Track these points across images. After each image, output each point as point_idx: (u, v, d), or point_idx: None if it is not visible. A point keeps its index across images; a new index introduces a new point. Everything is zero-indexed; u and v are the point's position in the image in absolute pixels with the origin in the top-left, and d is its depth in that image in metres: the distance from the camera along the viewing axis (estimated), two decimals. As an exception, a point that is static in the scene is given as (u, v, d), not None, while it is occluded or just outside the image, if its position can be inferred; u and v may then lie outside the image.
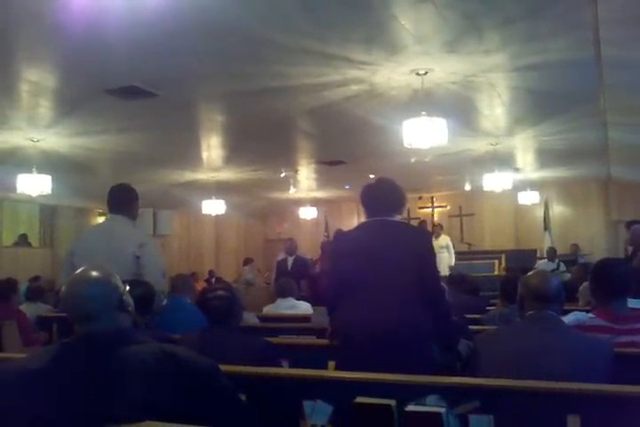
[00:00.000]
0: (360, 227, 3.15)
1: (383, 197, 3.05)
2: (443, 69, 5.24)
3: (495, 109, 6.73)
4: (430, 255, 2.95)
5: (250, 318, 4.83)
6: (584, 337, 2.38)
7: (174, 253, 13.95)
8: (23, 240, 11.62)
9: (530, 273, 2.54)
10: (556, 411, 1.89)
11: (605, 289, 2.83)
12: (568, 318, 2.78)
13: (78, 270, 1.88)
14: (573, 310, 3.18)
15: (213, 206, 11.25)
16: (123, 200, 3.89)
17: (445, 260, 10.35)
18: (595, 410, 1.87)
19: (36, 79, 5.13)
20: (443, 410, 1.86)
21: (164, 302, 4.06)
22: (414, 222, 11.72)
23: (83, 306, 1.78)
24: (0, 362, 2.64)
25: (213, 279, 12.80)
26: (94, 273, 1.84)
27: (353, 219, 14.05)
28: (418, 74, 5.29)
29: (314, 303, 5.83)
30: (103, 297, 1.80)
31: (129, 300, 1.88)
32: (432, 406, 1.90)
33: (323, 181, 11.51)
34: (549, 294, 2.37)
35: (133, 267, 3.50)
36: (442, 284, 3.17)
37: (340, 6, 3.96)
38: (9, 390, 1.70)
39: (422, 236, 3.15)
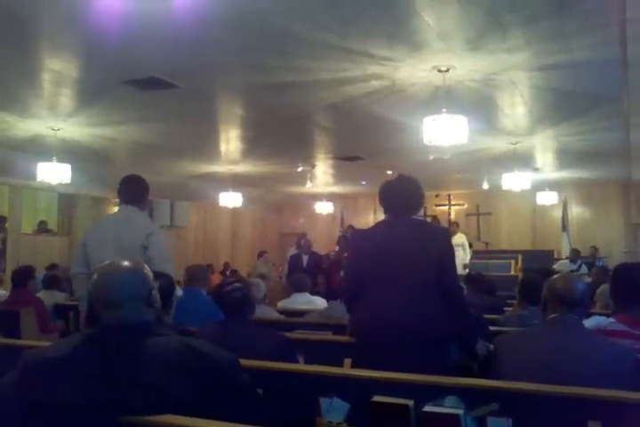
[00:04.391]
0: (380, 225, 3.13)
1: (404, 196, 3.03)
2: (464, 67, 5.19)
3: (516, 108, 6.67)
4: (450, 254, 2.94)
5: (270, 313, 4.83)
6: (607, 342, 2.34)
7: (190, 245, 14.01)
8: (43, 227, 11.74)
9: (555, 276, 2.50)
10: (576, 416, 1.87)
11: (626, 294, 2.79)
12: (588, 323, 2.75)
13: (109, 261, 1.90)
14: (592, 314, 3.15)
15: (230, 199, 11.28)
16: (134, 191, 3.95)
17: (460, 258, 10.34)
18: (616, 417, 1.84)
19: (59, 68, 5.15)
20: (461, 412, 1.84)
21: (180, 293, 4.07)
22: (427, 220, 11.67)
23: (110, 293, 1.80)
24: (18, 349, 2.66)
25: (228, 272, 12.84)
26: (127, 263, 1.87)
27: (369, 215, 14.04)
28: (439, 71, 5.24)
29: (329, 299, 5.83)
30: (132, 287, 1.82)
31: (157, 296, 1.89)
32: (450, 407, 1.88)
33: (340, 176, 11.49)
34: (573, 298, 2.34)
35: (141, 257, 3.50)
36: (460, 283, 3.16)
37: (363, 1, 3.94)
38: (32, 377, 1.71)
39: (443, 234, 3.14)
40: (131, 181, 3.99)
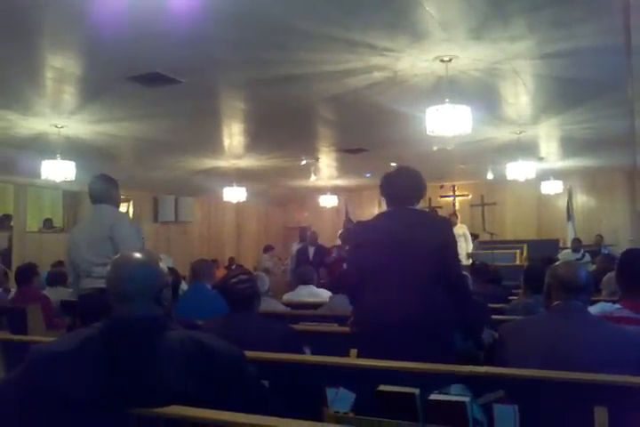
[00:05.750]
0: (380, 217, 3.14)
1: (404, 186, 3.04)
2: (467, 56, 5.17)
3: (520, 97, 6.64)
4: (452, 243, 2.95)
5: (275, 305, 4.84)
6: (612, 328, 2.34)
7: (195, 240, 14.05)
8: (48, 225, 11.77)
9: (558, 263, 2.50)
10: (582, 402, 1.87)
11: (632, 280, 2.79)
12: (594, 309, 2.75)
13: (123, 253, 1.95)
14: (598, 301, 3.15)
15: (234, 193, 11.28)
16: (99, 190, 4.13)
17: (463, 248, 10.42)
18: (622, 402, 1.84)
19: (61, 66, 5.15)
20: (467, 399, 1.84)
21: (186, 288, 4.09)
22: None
23: (122, 284, 1.82)
24: (26, 345, 2.68)
25: (233, 266, 12.85)
26: (141, 256, 1.89)
27: (373, 207, 14.02)
28: (442, 61, 5.22)
29: (333, 291, 5.85)
30: (143, 280, 1.83)
31: (167, 295, 1.90)
32: (456, 395, 1.88)
33: (343, 168, 11.47)
34: (577, 284, 2.34)
35: (110, 249, 3.68)
36: (464, 272, 3.16)
37: (364, -8, 3.92)
38: (38, 371, 1.72)
39: (444, 223, 3.14)
40: (93, 182, 4.17)
